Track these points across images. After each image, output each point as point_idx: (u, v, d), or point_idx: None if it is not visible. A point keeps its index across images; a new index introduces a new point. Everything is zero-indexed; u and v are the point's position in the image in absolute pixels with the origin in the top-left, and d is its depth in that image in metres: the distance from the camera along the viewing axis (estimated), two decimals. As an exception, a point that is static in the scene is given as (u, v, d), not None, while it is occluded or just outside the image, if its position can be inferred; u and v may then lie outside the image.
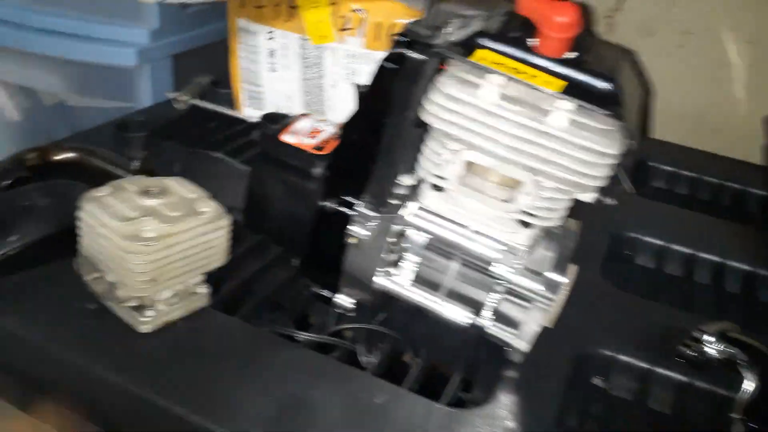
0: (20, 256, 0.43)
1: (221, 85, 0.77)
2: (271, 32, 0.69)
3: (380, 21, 0.65)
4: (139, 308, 0.40)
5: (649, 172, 0.78)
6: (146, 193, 0.41)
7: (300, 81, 0.71)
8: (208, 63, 0.86)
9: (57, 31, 0.79)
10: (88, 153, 0.55)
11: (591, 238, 0.51)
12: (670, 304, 0.55)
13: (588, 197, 0.39)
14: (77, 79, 0.83)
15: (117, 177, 0.53)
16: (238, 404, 0.37)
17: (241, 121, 0.74)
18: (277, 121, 0.70)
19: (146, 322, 0.40)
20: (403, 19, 0.65)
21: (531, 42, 0.37)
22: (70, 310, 0.41)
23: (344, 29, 0.67)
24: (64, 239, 0.45)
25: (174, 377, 0.38)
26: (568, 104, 0.36)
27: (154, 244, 0.38)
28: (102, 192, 0.41)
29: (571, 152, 0.36)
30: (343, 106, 0.70)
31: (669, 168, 0.78)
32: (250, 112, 0.75)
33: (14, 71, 0.86)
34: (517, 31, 0.38)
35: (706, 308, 0.56)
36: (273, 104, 0.73)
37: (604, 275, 0.54)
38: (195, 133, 0.69)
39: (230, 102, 0.75)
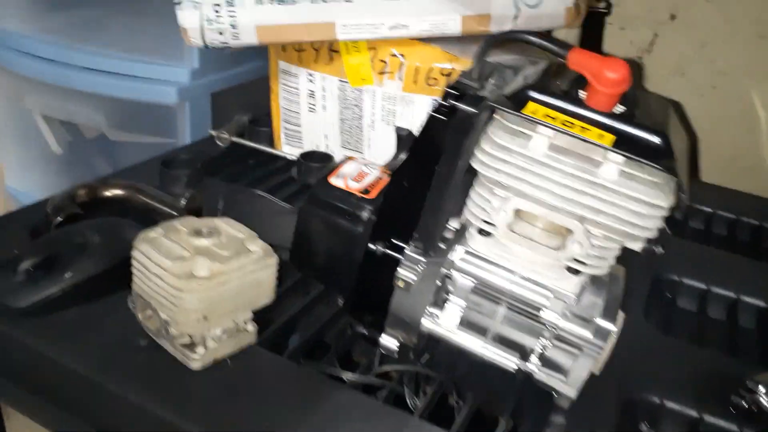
0: (75, 292, 0.44)
1: (259, 123, 0.79)
2: (311, 75, 0.71)
3: (418, 65, 0.67)
4: (190, 345, 0.41)
5: (686, 212, 0.78)
6: (197, 233, 0.42)
7: (338, 121, 0.72)
8: (244, 101, 0.89)
9: (101, 70, 0.82)
10: (136, 190, 0.57)
11: (632, 281, 0.51)
12: (716, 348, 0.54)
13: (637, 246, 0.39)
14: (119, 115, 0.85)
15: (164, 214, 0.55)
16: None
17: (279, 158, 0.75)
18: (314, 159, 0.72)
19: (197, 360, 0.41)
20: (440, 63, 0.67)
21: (581, 96, 0.38)
22: (123, 346, 0.42)
23: (383, 72, 0.68)
24: (116, 275, 0.46)
25: (225, 415, 0.39)
26: (619, 157, 0.36)
27: (206, 283, 0.39)
28: (155, 233, 0.42)
29: (623, 203, 0.36)
30: (380, 144, 0.71)
31: (707, 209, 0.77)
32: (288, 149, 0.76)
33: (58, 107, 0.89)
34: (566, 86, 0.39)
35: (751, 353, 0.55)
36: (311, 142, 0.75)
37: (646, 318, 0.54)
38: (236, 169, 0.71)
39: (269, 139, 0.77)
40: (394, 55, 0.67)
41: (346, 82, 0.69)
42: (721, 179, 0.87)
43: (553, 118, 0.37)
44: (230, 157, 0.74)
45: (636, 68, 0.91)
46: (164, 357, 0.42)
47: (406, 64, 0.67)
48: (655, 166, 0.36)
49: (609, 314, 0.40)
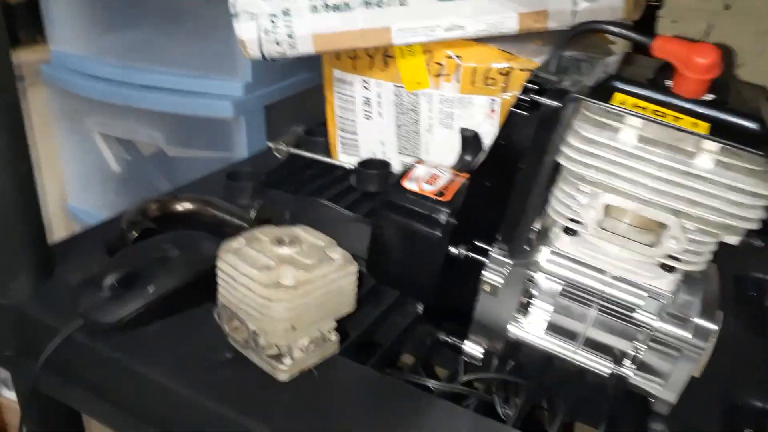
0: (158, 306, 0.45)
1: (315, 133, 0.79)
2: (366, 81, 0.71)
3: (475, 66, 0.66)
4: (278, 357, 0.41)
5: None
6: (280, 242, 0.42)
7: (394, 127, 0.72)
8: (297, 112, 0.90)
9: (158, 87, 0.84)
10: (206, 203, 0.57)
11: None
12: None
13: (735, 240, 0.38)
14: (176, 130, 0.87)
15: (234, 226, 0.55)
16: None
17: (337, 168, 0.75)
18: (372, 166, 0.72)
19: (285, 371, 0.40)
20: (497, 63, 0.66)
21: (668, 84, 0.37)
22: (209, 359, 0.42)
23: (439, 75, 0.68)
24: (197, 288, 0.46)
25: (316, 427, 0.38)
26: (714, 145, 0.35)
27: (293, 292, 0.39)
28: (239, 243, 0.42)
29: (721, 193, 0.35)
30: (438, 149, 0.71)
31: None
32: (345, 158, 0.76)
33: (117, 125, 0.91)
34: (651, 75, 0.38)
35: None
36: (367, 150, 0.75)
37: (736, 320, 0.52)
38: (297, 180, 0.71)
39: (325, 149, 0.77)
40: (450, 57, 0.66)
41: (402, 87, 0.69)
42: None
43: (642, 108, 0.36)
44: (289, 169, 0.75)
45: (727, 54, 0.88)
46: (251, 369, 0.42)
47: (463, 66, 0.66)
48: (755, 152, 0.34)
49: (708, 313, 0.39)
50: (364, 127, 0.74)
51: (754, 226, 0.36)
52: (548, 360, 0.42)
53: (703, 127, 0.35)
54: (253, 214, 0.56)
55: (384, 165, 0.73)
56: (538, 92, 0.39)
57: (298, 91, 0.91)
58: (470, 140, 0.56)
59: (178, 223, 0.58)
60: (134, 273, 0.46)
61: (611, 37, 0.53)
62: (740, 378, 0.45)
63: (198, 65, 0.84)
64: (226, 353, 0.43)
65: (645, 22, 0.92)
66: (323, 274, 0.40)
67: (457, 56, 0.66)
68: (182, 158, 0.91)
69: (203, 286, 0.45)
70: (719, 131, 0.35)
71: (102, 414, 0.46)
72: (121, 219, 0.55)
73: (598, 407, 0.42)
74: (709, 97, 0.36)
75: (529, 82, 0.39)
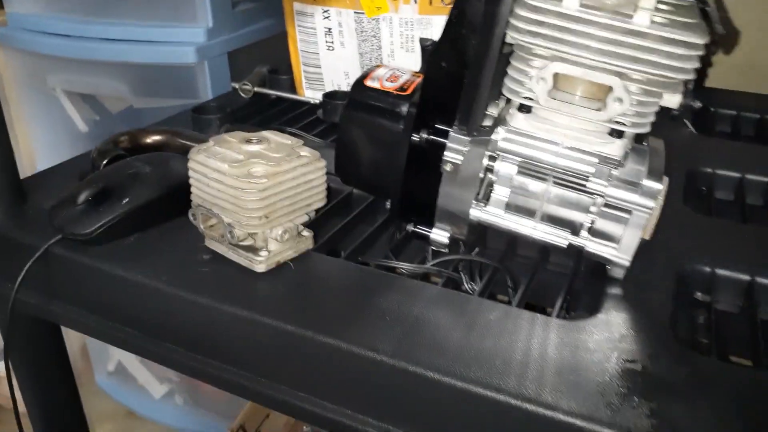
0: (133, 218, 0.46)
1: (279, 72, 0.80)
2: (326, 11, 0.72)
3: (432, -13, 0.67)
4: (253, 249, 0.42)
5: (713, 117, 0.78)
6: (248, 141, 0.44)
7: (357, 56, 0.73)
8: (260, 58, 0.90)
9: (119, 39, 0.84)
10: (174, 134, 0.58)
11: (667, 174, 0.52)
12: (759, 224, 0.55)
13: (675, 101, 0.40)
14: (141, 81, 0.87)
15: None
16: (363, 328, 0.38)
17: (303, 103, 0.76)
18: (338, 98, 0.73)
19: (261, 262, 0.42)
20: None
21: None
22: (188, 261, 0.44)
23: (397, -1, 0.69)
24: (170, 202, 0.47)
25: (297, 308, 0.40)
26: (650, 2, 0.37)
27: (264, 181, 0.40)
28: (208, 144, 0.43)
29: (660, 47, 0.37)
30: (401, 75, 0.72)
31: (732, 112, 0.78)
32: (310, 93, 0.77)
33: (79, 80, 0.91)
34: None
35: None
36: (332, 83, 0.76)
37: (686, 206, 0.55)
38: (263, 115, 0.72)
39: (290, 87, 0.78)
40: (408, -20, 0.68)
41: (362, 13, 0.70)
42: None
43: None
44: (255, 106, 0.76)
45: None
46: (229, 265, 0.43)
47: (421, -13, 0.67)
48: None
49: (654, 175, 0.41)
50: (328, 59, 0.75)
51: (690, 76, 0.38)
52: (512, 238, 0.44)
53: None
54: (221, 137, 0.57)
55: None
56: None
57: (261, 38, 0.91)
58: (429, 49, 0.58)
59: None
60: (108, 189, 0.47)
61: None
62: (690, 248, 0.48)
63: (158, 14, 0.83)
64: (203, 255, 0.45)
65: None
66: (292, 167, 0.42)
67: (415, -21, 0.68)
68: (149, 112, 0.91)
69: (176, 200, 0.47)
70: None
71: (83, 324, 0.47)
72: (91, 152, 0.56)
73: (559, 277, 0.45)
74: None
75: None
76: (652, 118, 0.40)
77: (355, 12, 0.70)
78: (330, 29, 0.73)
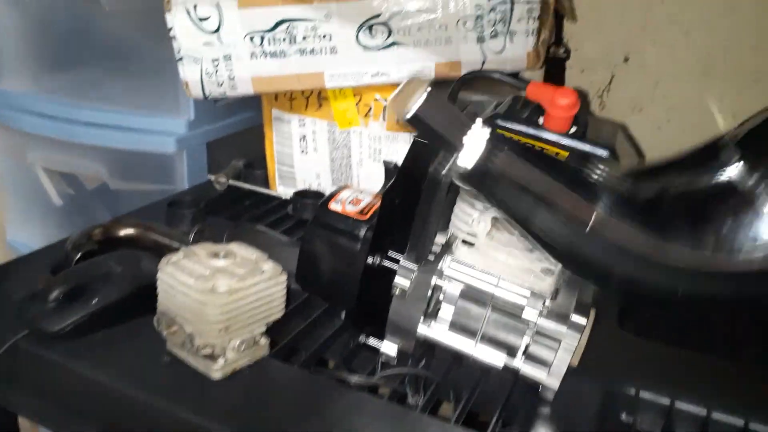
0: (101, 316, 0.49)
1: (255, 167, 0.85)
2: (302, 120, 0.78)
3: (399, 106, 0.74)
4: (211, 357, 0.45)
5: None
6: (215, 255, 0.47)
7: (328, 161, 0.79)
8: (238, 148, 0.95)
9: (103, 124, 0.88)
10: (147, 228, 0.62)
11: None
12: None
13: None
14: (120, 165, 0.91)
15: (174, 249, 0.60)
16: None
17: (275, 198, 0.81)
18: (308, 196, 0.78)
19: (218, 370, 0.45)
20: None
21: (540, 121, 0.45)
22: (149, 362, 0.47)
23: (368, 115, 0.75)
24: (138, 301, 0.50)
25: (246, 419, 0.43)
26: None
27: (226, 297, 0.44)
28: (177, 257, 0.47)
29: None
30: (367, 180, 0.78)
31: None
32: (282, 189, 0.82)
33: (60, 159, 0.94)
34: (526, 113, 0.46)
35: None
36: (303, 182, 0.81)
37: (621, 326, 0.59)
38: (236, 209, 0.76)
39: (264, 181, 0.83)
40: (378, 100, 0.74)
41: (335, 125, 0.76)
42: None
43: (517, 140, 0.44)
44: (228, 199, 0.80)
45: (583, 96, 0.99)
46: (187, 370, 0.46)
47: (389, 107, 0.74)
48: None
49: (581, 310, 0.46)
50: (301, 160, 0.80)
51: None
52: (454, 356, 0.48)
53: (563, 155, 0.44)
54: (191, 238, 0.61)
55: (319, 195, 0.79)
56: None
57: (240, 129, 0.97)
58: (391, 170, 0.63)
59: (121, 247, 0.62)
60: (79, 287, 0.50)
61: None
62: (617, 370, 0.53)
63: (143, 103, 0.88)
64: (164, 357, 0.47)
65: (556, 72, 1.03)
66: (254, 283, 0.46)
67: (384, 99, 0.74)
68: (125, 192, 0.94)
69: (144, 299, 0.50)
70: (575, 157, 0.43)
71: (43, 415, 0.49)
72: (65, 243, 0.59)
73: (496, 395, 0.49)
74: (573, 130, 0.45)
75: (431, 117, 0.47)
76: (579, 260, 0.46)
77: (328, 123, 0.76)
78: (305, 136, 0.78)
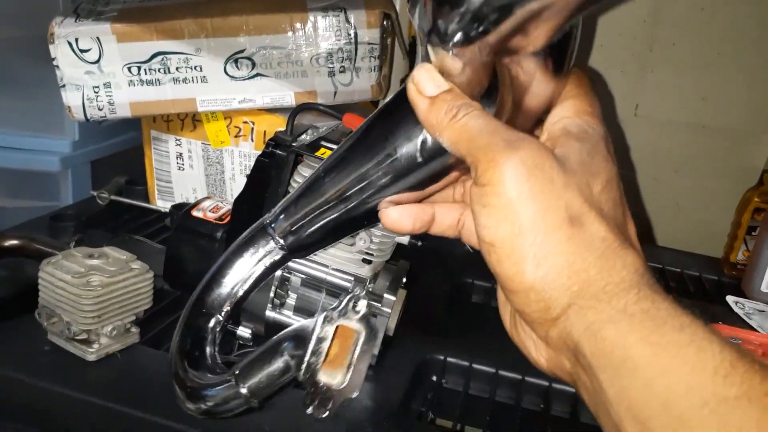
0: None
1: (136, 183, 0.93)
2: (178, 140, 0.87)
3: (265, 129, 0.85)
4: (86, 342, 0.54)
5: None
6: (90, 256, 0.56)
7: (203, 176, 0.88)
8: (120, 167, 1.02)
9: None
10: (31, 239, 0.69)
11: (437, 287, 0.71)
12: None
13: (406, 239, 0.59)
14: (4, 183, 0.95)
15: (56, 255, 0.67)
16: (174, 407, 0.50)
17: (154, 211, 0.89)
18: (183, 209, 0.87)
19: (92, 352, 0.54)
20: (282, 127, 0.85)
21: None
22: (32, 351, 0.54)
23: (238, 136, 0.86)
24: (20, 301, 0.58)
25: (119, 394, 0.52)
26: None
27: (99, 291, 0.53)
28: (57, 258, 0.55)
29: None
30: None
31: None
32: (161, 203, 0.90)
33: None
34: (344, 136, 0.59)
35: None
36: (181, 196, 0.90)
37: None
38: (116, 222, 0.84)
39: (145, 196, 0.91)
40: (246, 122, 0.85)
41: (209, 144, 0.86)
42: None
43: (340, 158, 0.56)
44: (110, 213, 0.87)
45: None
46: (66, 355, 0.54)
47: (256, 129, 0.85)
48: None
49: (392, 289, 0.59)
50: (178, 176, 0.89)
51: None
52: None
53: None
54: (72, 246, 0.68)
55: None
56: (275, 146, 0.58)
57: (122, 148, 1.04)
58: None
59: (6, 257, 0.68)
60: (-35, 290, 0.57)
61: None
62: (430, 340, 0.66)
63: (29, 125, 0.94)
64: (45, 346, 0.55)
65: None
66: (124, 278, 0.55)
67: (252, 122, 0.85)
68: (12, 208, 0.99)
69: (26, 299, 0.57)
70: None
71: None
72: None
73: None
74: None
75: (270, 139, 0.59)
76: (390, 251, 0.59)
77: (203, 143, 0.86)
78: (181, 154, 0.87)
